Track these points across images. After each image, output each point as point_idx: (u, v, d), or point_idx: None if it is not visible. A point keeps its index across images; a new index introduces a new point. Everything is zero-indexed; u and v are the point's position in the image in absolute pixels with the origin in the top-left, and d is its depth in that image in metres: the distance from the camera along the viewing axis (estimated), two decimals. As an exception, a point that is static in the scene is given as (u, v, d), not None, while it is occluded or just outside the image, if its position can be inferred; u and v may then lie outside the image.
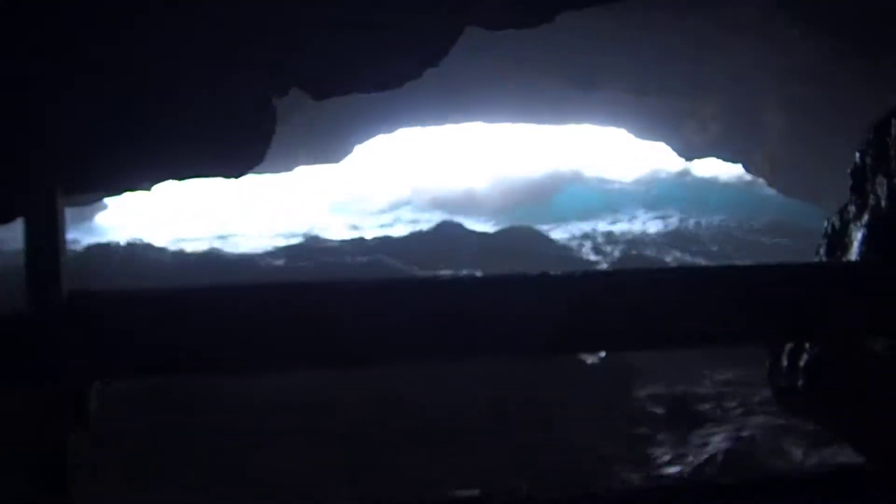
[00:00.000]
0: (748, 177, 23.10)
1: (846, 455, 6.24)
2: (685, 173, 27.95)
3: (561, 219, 24.07)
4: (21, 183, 3.73)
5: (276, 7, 4.22)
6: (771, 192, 21.28)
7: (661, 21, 14.02)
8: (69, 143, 3.90)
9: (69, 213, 4.06)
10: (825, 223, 5.56)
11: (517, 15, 4.91)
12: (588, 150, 31.82)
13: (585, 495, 4.88)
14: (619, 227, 23.28)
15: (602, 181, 29.20)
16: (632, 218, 24.64)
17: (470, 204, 26.70)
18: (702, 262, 17.74)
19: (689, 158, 22.87)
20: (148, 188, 5.71)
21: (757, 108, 18.85)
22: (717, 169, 26.47)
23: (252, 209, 26.54)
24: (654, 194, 26.80)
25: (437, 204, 27.48)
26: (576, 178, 29.34)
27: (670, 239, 21.23)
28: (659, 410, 10.02)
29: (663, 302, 4.17)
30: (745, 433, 9.19)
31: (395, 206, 28.66)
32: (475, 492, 5.58)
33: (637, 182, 28.85)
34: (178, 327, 3.98)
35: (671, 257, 18.83)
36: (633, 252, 19.31)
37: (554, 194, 27.36)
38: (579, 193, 27.27)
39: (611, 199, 26.59)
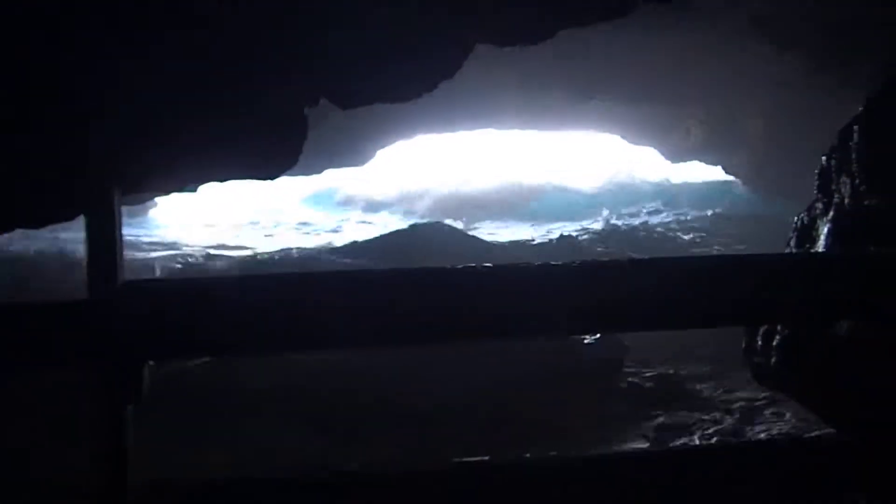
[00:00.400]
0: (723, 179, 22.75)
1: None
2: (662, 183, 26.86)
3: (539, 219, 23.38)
4: (81, 183, 3.77)
5: (306, 24, 4.23)
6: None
7: (650, 38, 14.00)
8: (121, 145, 3.93)
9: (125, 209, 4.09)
10: (795, 218, 5.58)
11: (522, 32, 4.93)
12: (571, 160, 30.51)
13: (582, 459, 4.91)
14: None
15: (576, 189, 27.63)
16: (654, 212, 23.65)
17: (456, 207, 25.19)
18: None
19: (675, 162, 22.82)
20: (194, 189, 5.73)
21: (736, 116, 18.89)
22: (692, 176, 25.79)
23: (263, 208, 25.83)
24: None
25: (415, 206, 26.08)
26: (557, 185, 27.89)
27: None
28: (649, 385, 10.03)
29: (659, 289, 4.22)
30: (731, 406, 9.25)
31: (378, 207, 27.16)
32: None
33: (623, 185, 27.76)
34: (217, 313, 4.03)
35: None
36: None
37: (536, 199, 26.24)
38: (556, 198, 26.05)
39: (592, 202, 25.18)
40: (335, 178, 24.44)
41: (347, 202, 27.95)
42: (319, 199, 28.19)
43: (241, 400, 8.45)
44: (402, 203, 26.70)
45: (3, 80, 3.58)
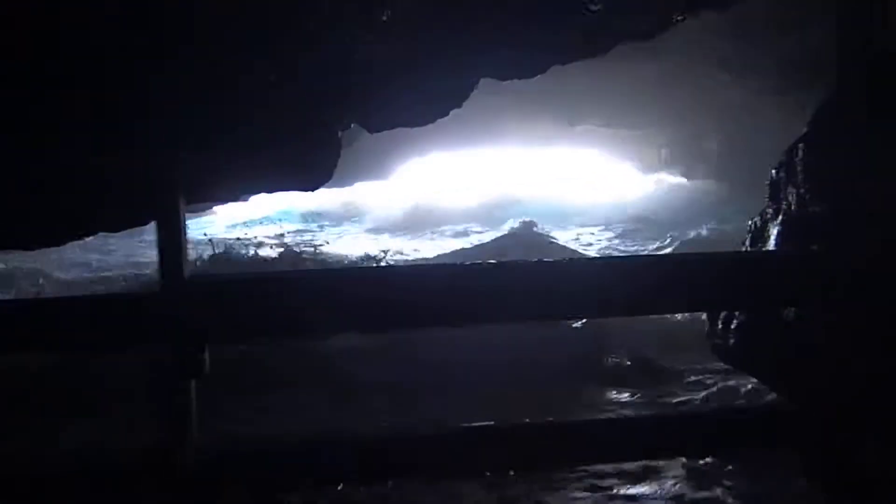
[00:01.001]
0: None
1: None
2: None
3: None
4: (152, 194, 3.79)
5: (340, 65, 4.25)
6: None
7: (624, 72, 14.02)
8: (186, 163, 3.95)
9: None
10: (749, 222, 5.58)
11: (519, 69, 4.98)
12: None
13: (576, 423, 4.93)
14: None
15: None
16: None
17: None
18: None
19: (647, 174, 22.83)
20: (246, 199, 5.72)
21: (698, 136, 18.91)
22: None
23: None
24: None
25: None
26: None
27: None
28: (627, 363, 9.98)
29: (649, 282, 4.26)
30: (705, 383, 9.21)
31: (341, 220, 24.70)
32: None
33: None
34: (266, 302, 4.05)
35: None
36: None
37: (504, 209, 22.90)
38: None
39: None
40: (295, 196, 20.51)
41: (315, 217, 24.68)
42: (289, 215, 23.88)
43: (268, 379, 8.48)
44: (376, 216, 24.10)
45: (83, 110, 3.58)
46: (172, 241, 3.85)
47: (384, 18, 3.80)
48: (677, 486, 5.97)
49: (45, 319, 3.91)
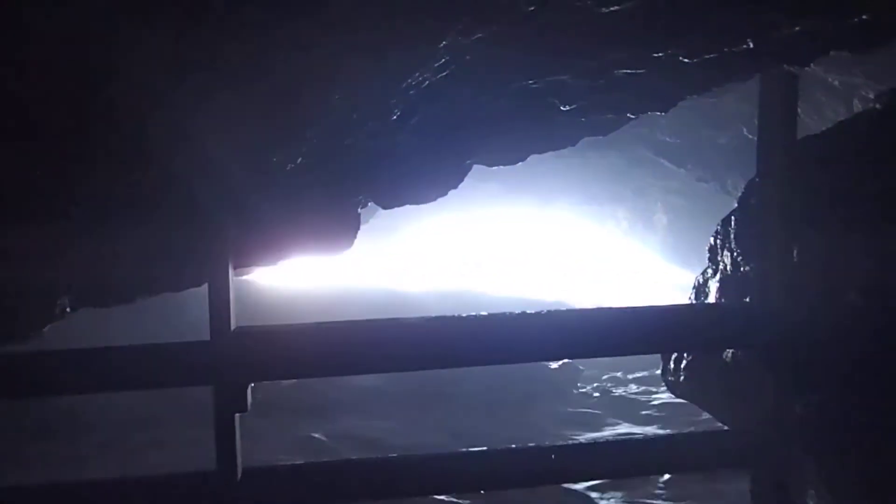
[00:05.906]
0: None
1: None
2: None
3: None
4: (205, 261, 3.80)
5: (363, 163, 4.30)
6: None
7: (590, 159, 14.16)
8: (235, 237, 3.97)
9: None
10: (694, 280, 5.59)
11: (504, 157, 5.06)
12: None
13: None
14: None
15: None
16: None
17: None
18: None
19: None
20: (276, 263, 5.60)
21: (650, 212, 19.04)
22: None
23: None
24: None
25: None
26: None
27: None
28: (595, 395, 10.00)
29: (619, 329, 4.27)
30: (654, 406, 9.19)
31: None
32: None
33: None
34: (294, 350, 4.04)
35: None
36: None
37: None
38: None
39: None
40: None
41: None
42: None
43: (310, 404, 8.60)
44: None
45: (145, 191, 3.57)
46: (221, 299, 3.85)
47: (394, 118, 3.84)
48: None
49: (117, 364, 3.90)
